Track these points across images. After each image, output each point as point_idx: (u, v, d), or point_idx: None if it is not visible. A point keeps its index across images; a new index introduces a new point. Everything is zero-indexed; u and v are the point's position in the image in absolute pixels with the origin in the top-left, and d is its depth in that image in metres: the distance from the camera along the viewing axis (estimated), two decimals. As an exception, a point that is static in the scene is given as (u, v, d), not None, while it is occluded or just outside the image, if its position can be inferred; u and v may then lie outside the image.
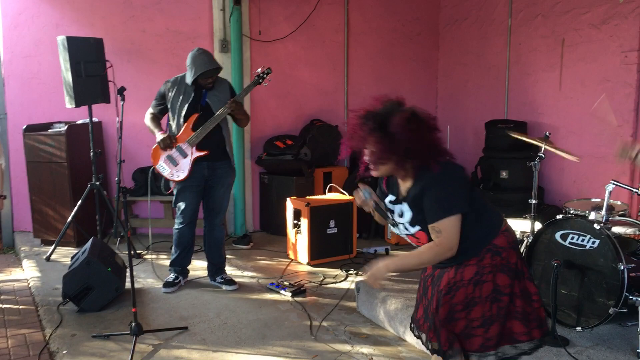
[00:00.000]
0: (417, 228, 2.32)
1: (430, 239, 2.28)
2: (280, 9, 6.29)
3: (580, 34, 5.48)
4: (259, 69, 4.53)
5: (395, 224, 2.43)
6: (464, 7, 6.82)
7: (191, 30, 5.99)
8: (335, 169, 6.45)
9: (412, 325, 2.57)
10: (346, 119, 6.75)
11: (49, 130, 5.71)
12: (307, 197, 5.45)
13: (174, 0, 6.01)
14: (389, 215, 2.44)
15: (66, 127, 5.65)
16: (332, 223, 5.23)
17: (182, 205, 4.44)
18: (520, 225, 4.11)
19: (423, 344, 2.49)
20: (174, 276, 4.59)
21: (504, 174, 5.83)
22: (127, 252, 3.60)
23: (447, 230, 2.19)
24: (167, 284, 4.53)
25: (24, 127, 5.70)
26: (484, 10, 6.54)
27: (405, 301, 3.78)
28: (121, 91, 5.02)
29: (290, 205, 5.34)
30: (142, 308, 4.13)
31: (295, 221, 5.23)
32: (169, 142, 4.30)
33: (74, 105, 5.16)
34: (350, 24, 6.68)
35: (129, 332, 3.55)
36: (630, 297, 3.09)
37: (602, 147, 5.30)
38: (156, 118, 4.48)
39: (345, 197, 5.35)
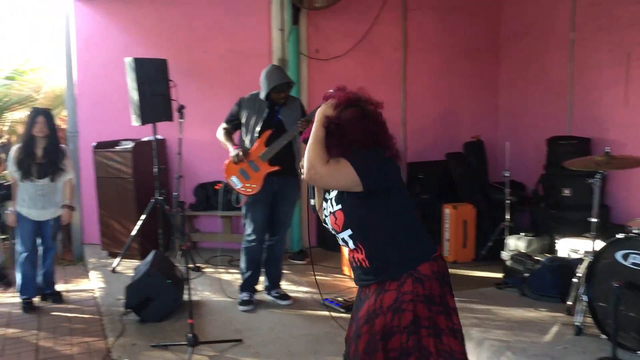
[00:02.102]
0: (339, 207, 2.24)
1: (345, 222, 2.22)
2: (337, 27, 6.38)
3: (647, 47, 5.27)
4: (330, 90, 4.60)
5: (325, 200, 2.36)
6: (525, 22, 6.70)
7: (250, 50, 6.16)
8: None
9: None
10: (403, 135, 6.75)
11: (117, 148, 5.99)
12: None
13: (234, 22, 6.21)
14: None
15: (133, 144, 5.91)
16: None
17: (252, 218, 4.53)
18: (582, 245, 3.98)
19: None
20: (248, 295, 4.62)
21: (566, 192, 5.64)
22: (186, 265, 3.72)
23: (340, 165, 2.16)
24: (244, 303, 4.56)
25: (94, 144, 6.01)
26: (545, 25, 6.41)
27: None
28: (180, 109, 5.21)
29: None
30: (198, 320, 4.23)
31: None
32: (242, 157, 4.39)
33: (139, 124, 5.40)
34: (408, 41, 6.69)
35: (186, 342, 3.66)
36: (699, 322, 2.93)
37: (672, 164, 5.05)
38: (229, 133, 4.61)
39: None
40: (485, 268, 5.50)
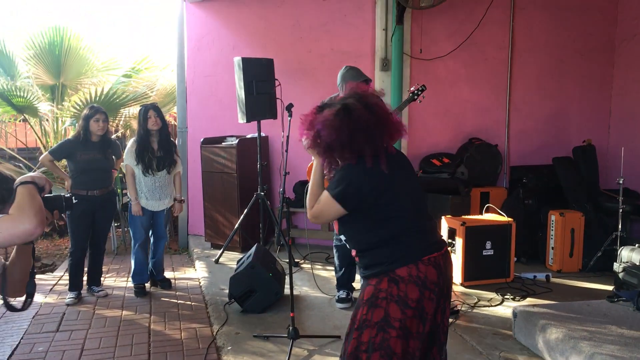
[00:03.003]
0: None
1: (339, 228, 2.48)
2: (442, 28, 6.29)
3: None
4: (413, 87, 4.57)
5: None
6: (645, 20, 6.30)
7: (354, 50, 6.21)
8: (493, 189, 6.26)
9: None
10: (507, 138, 6.54)
11: (223, 144, 6.24)
12: (463, 217, 5.35)
13: (339, 22, 6.28)
14: None
15: (237, 140, 6.13)
16: (488, 244, 5.08)
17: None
18: None
19: None
20: (345, 292, 4.65)
21: (687, 202, 5.26)
22: (287, 260, 3.82)
23: (322, 201, 2.41)
24: (341, 300, 4.60)
25: (202, 139, 6.29)
26: (669, 23, 5.99)
27: (568, 332, 3.56)
28: (289, 108, 5.34)
29: (444, 224, 5.29)
30: (298, 314, 4.33)
31: (450, 240, 5.16)
32: None
33: (245, 121, 5.59)
34: (515, 41, 6.48)
35: (286, 335, 3.76)
36: None
37: None
38: None
39: (503, 218, 5.18)
40: (593, 279, 5.23)
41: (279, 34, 6.46)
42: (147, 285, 5.14)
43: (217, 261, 5.79)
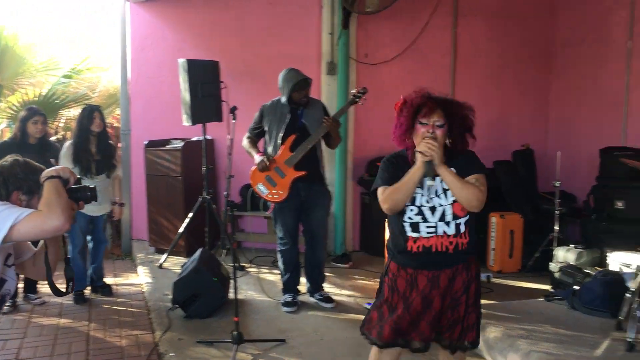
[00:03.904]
0: (453, 198, 2.54)
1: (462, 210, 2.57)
2: (387, 33, 6.38)
3: None
4: (354, 89, 4.62)
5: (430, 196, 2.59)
6: (580, 30, 6.55)
7: (300, 54, 6.21)
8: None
9: (406, 340, 2.62)
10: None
11: (167, 146, 6.14)
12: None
13: (286, 25, 6.28)
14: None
15: (182, 143, 6.03)
16: (432, 246, 5.16)
17: (282, 224, 4.55)
18: (635, 259, 3.87)
19: (424, 350, 2.63)
20: (291, 296, 4.64)
21: (619, 204, 5.48)
22: (232, 264, 3.78)
23: (485, 185, 2.56)
24: (287, 304, 4.57)
25: (146, 142, 6.17)
26: (602, 33, 6.25)
27: (506, 330, 3.66)
28: (233, 110, 5.30)
29: (390, 227, 5.34)
30: (243, 318, 4.28)
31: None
32: (266, 164, 4.38)
33: (190, 124, 5.51)
34: (458, 47, 6.63)
35: (230, 340, 3.71)
36: None
37: None
38: (253, 141, 4.63)
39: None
40: (532, 279, 5.40)
41: (225, 36, 6.40)
42: (87, 291, 4.99)
43: (161, 266, 5.68)
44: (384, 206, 2.56)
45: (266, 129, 4.53)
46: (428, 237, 2.56)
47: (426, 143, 2.47)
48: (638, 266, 3.75)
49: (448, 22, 6.56)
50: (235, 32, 6.37)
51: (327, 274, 4.98)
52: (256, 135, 4.64)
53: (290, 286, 4.65)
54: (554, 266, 5.01)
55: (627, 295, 3.77)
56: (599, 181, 5.73)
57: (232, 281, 4.02)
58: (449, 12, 6.54)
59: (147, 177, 6.20)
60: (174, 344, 3.90)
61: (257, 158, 4.46)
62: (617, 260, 4.93)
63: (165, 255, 5.76)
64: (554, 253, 5.23)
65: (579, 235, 5.82)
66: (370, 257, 6.14)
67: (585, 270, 4.72)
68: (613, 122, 6.12)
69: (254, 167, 4.49)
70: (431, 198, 2.56)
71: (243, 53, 6.36)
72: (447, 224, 2.56)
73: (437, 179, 2.54)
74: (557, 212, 5.32)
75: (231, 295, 4.17)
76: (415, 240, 2.57)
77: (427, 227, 2.56)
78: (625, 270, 4.48)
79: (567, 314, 4.13)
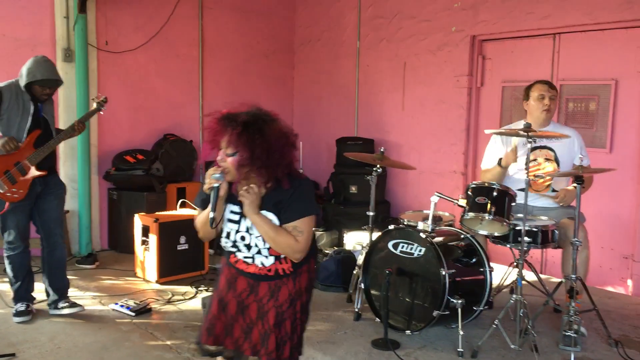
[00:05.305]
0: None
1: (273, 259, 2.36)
2: (130, 20, 6.11)
3: (419, 58, 5.90)
4: (94, 97, 4.44)
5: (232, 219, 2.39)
6: (317, 29, 7.07)
7: (31, 37, 5.61)
8: (189, 185, 6.34)
9: (214, 348, 2.47)
10: (201, 134, 6.69)
11: None
12: (157, 213, 5.31)
13: (10, 5, 5.61)
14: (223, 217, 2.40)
15: None
16: (182, 239, 5.12)
17: (15, 226, 4.08)
18: (365, 237, 4.31)
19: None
20: (24, 305, 4.18)
21: (353, 189, 6.09)
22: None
23: (307, 230, 2.26)
24: (19, 313, 4.11)
25: None
26: (335, 33, 6.84)
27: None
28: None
29: (138, 222, 5.16)
30: (-38, 336, 3.76)
31: (144, 238, 5.06)
32: (13, 146, 3.89)
33: None
34: (205, 38, 6.65)
35: (-58, 363, 3.22)
36: (452, 300, 3.35)
37: (440, 164, 5.72)
38: None
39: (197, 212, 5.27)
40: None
41: None
42: None
43: None
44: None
45: (4, 114, 3.97)
46: (247, 265, 2.41)
47: (243, 189, 2.26)
48: (365, 244, 4.18)
49: (194, 13, 6.53)
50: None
51: (69, 277, 4.58)
52: None
53: (22, 294, 4.20)
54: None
55: (355, 270, 4.21)
56: (335, 168, 6.28)
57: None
58: (195, 3, 6.51)
59: None
60: None
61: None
62: (352, 240, 5.47)
63: None
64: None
65: (321, 219, 6.30)
66: (119, 254, 5.86)
67: (325, 251, 5.14)
68: (347, 114, 6.76)
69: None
70: (250, 235, 2.35)
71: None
72: (265, 257, 2.36)
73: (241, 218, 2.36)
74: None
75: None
76: (235, 257, 2.44)
77: (244, 257, 2.40)
78: (358, 248, 4.99)
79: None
